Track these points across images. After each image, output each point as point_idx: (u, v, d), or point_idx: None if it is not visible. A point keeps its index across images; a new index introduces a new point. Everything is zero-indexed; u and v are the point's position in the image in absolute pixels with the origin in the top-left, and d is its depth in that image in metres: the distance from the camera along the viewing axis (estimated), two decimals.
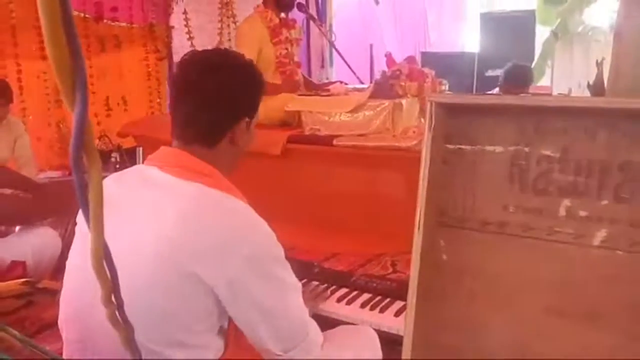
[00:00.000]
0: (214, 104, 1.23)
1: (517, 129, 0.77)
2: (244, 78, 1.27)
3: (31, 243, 2.15)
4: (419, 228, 0.77)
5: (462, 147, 0.80)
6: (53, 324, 1.46)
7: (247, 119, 1.28)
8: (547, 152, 0.77)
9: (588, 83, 3.57)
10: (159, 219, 1.11)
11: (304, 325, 1.20)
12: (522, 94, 3.46)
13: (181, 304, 1.10)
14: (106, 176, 1.29)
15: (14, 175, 2.60)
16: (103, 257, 0.41)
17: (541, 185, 0.78)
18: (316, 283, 1.85)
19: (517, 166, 0.79)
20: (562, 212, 0.78)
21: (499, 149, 0.78)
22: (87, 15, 3.78)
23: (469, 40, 7.81)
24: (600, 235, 0.77)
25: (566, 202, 0.77)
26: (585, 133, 0.74)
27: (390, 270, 1.98)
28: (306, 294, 1.72)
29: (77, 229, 1.25)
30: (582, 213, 0.77)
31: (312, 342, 1.21)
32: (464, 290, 0.82)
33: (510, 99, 0.76)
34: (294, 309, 1.19)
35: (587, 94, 3.84)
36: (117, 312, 0.49)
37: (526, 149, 0.78)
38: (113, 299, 0.47)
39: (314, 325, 1.24)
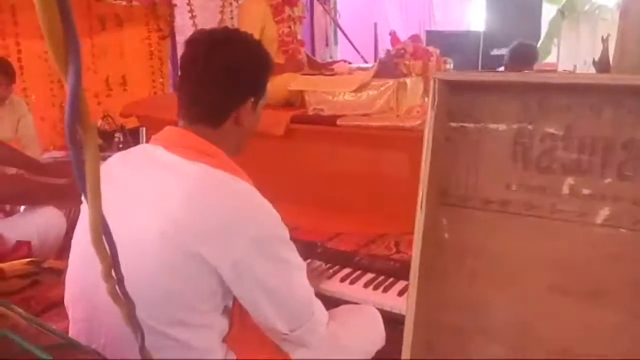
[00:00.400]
0: (219, 83, 1.22)
1: (520, 107, 0.76)
2: (250, 57, 1.26)
3: (36, 223, 2.16)
4: (421, 206, 0.76)
5: (465, 125, 0.79)
6: (59, 303, 1.47)
7: (252, 99, 1.28)
8: (551, 130, 0.76)
9: (593, 60, 3.54)
10: (164, 199, 1.11)
11: (309, 305, 1.21)
12: (526, 72, 3.43)
13: (185, 283, 1.11)
14: (110, 156, 1.29)
15: (17, 153, 2.60)
16: (102, 231, 0.41)
17: (544, 163, 0.77)
18: (319, 262, 1.86)
19: (521, 144, 0.78)
20: (565, 190, 0.77)
21: (502, 126, 0.78)
22: None
23: (474, 19, 7.72)
24: (603, 213, 0.77)
25: (569, 180, 0.77)
26: (589, 110, 0.73)
27: (394, 250, 1.98)
28: (309, 273, 1.73)
29: (82, 207, 1.26)
30: (586, 191, 0.76)
31: (318, 321, 1.22)
32: (466, 269, 0.82)
33: (514, 76, 0.75)
34: (299, 288, 1.20)
35: (593, 71, 3.80)
36: (117, 287, 0.49)
37: (530, 127, 0.77)
38: (113, 273, 0.47)
39: (319, 305, 1.24)
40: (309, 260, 1.89)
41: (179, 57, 1.34)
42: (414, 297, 0.78)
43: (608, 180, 0.75)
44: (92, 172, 0.38)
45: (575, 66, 5.15)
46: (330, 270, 1.84)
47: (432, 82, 0.76)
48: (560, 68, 4.81)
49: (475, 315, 0.81)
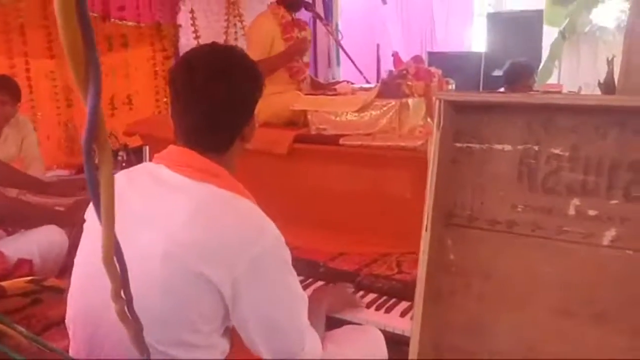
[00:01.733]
0: (222, 113, 1.21)
1: (526, 128, 0.76)
2: (249, 80, 1.25)
3: (38, 241, 2.15)
4: (426, 227, 0.76)
5: (471, 145, 0.79)
6: (59, 322, 1.46)
7: (253, 116, 1.28)
8: (557, 151, 0.76)
9: (599, 81, 3.57)
10: (168, 219, 1.10)
11: (299, 339, 1.17)
12: (525, 90, 3.47)
13: (188, 304, 1.10)
14: (113, 174, 1.28)
15: (18, 174, 2.61)
16: (114, 252, 0.41)
17: (550, 184, 0.77)
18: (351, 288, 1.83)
19: (526, 165, 0.78)
20: (571, 211, 0.77)
21: (507, 147, 0.78)
22: (94, 14, 3.80)
23: (476, 40, 7.79)
24: (609, 234, 0.76)
25: (575, 201, 0.76)
26: (595, 131, 0.74)
27: (396, 270, 1.97)
28: (341, 295, 1.72)
29: (85, 226, 1.25)
30: (592, 212, 0.76)
31: (307, 355, 1.19)
32: (473, 290, 0.81)
33: (519, 97, 0.75)
34: (292, 319, 1.16)
35: (595, 92, 3.82)
36: (126, 308, 0.49)
37: (535, 148, 0.77)
38: (122, 294, 0.47)
39: (312, 337, 1.20)
40: (310, 280, 1.88)
41: None
42: (419, 318, 0.77)
43: (614, 202, 0.75)
44: (107, 192, 0.38)
45: (580, 87, 5.17)
46: (363, 300, 1.79)
47: (437, 103, 0.76)
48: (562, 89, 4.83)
49: (481, 337, 0.80)
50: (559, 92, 3.06)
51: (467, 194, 0.81)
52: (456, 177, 0.81)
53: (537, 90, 3.64)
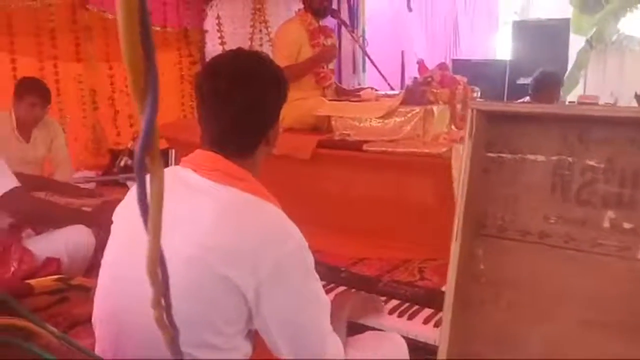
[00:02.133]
0: (251, 116, 1.22)
1: (560, 138, 0.76)
2: (273, 85, 1.26)
3: (65, 240, 2.19)
4: (456, 237, 0.76)
5: (503, 155, 0.78)
6: (84, 321, 1.48)
7: (277, 120, 1.29)
8: (592, 163, 0.75)
9: (635, 93, 3.54)
10: (194, 222, 1.12)
11: (321, 343, 1.17)
12: (552, 100, 3.44)
13: (212, 306, 1.11)
14: None
15: (50, 182, 2.72)
16: (158, 261, 0.42)
17: (584, 196, 0.76)
18: (377, 296, 1.83)
19: (560, 176, 0.77)
20: (606, 223, 0.76)
21: (540, 157, 0.77)
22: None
23: (500, 48, 7.73)
24: None
25: (610, 214, 0.75)
26: (631, 144, 0.73)
27: (418, 277, 1.96)
28: (364, 301, 1.71)
29: (112, 227, 1.27)
30: (627, 225, 0.75)
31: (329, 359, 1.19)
32: (502, 301, 0.80)
33: (554, 108, 0.75)
34: (315, 324, 1.16)
35: (622, 102, 3.77)
36: (164, 315, 0.49)
37: (569, 159, 0.76)
38: (162, 302, 0.47)
39: (334, 342, 1.20)
40: (332, 285, 1.88)
41: None
42: (447, 327, 0.77)
43: None
44: (156, 203, 0.38)
45: (616, 99, 5.09)
46: (385, 305, 1.78)
47: (469, 112, 0.76)
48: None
49: (510, 348, 0.79)
50: (595, 104, 3.02)
51: (498, 204, 0.80)
52: (487, 187, 0.80)
53: (572, 102, 3.62)
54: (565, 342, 0.79)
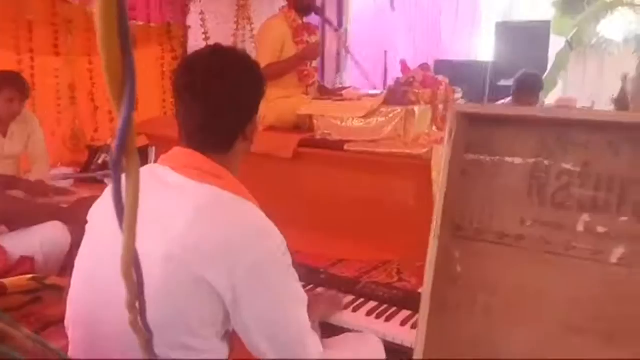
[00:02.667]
0: (227, 111, 1.21)
1: (538, 141, 0.76)
2: (250, 78, 1.25)
3: (41, 237, 2.16)
4: (434, 238, 0.75)
5: (481, 157, 0.78)
6: (57, 321, 1.45)
7: (255, 114, 1.28)
8: (568, 166, 0.75)
9: (612, 97, 3.61)
10: (171, 221, 1.10)
11: (302, 341, 1.17)
12: (533, 102, 3.50)
13: (188, 307, 1.09)
14: None
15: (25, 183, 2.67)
16: (132, 262, 0.41)
17: (560, 199, 0.77)
18: (335, 292, 1.83)
19: (537, 179, 0.77)
20: (580, 227, 0.76)
21: (518, 160, 0.77)
22: None
23: (482, 49, 7.80)
24: (618, 252, 0.76)
25: (585, 217, 0.76)
26: (608, 148, 0.73)
27: (396, 278, 1.97)
28: (322, 300, 1.71)
29: (87, 227, 1.25)
30: (601, 229, 0.75)
31: (310, 356, 1.19)
32: (479, 304, 0.80)
33: (533, 111, 0.75)
34: (294, 322, 1.16)
35: (599, 105, 3.83)
36: (139, 318, 0.49)
37: (546, 162, 0.76)
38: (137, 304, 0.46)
39: (313, 340, 1.20)
40: (310, 286, 1.88)
41: None
42: (424, 330, 0.76)
43: (624, 219, 0.74)
44: (131, 204, 0.37)
45: (593, 102, 5.17)
46: (343, 300, 1.80)
47: (450, 114, 0.76)
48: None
49: (487, 352, 0.79)
50: (574, 107, 3.07)
51: (475, 206, 0.80)
52: (465, 189, 0.80)
53: (538, 98, 3.68)
54: (541, 345, 0.79)
